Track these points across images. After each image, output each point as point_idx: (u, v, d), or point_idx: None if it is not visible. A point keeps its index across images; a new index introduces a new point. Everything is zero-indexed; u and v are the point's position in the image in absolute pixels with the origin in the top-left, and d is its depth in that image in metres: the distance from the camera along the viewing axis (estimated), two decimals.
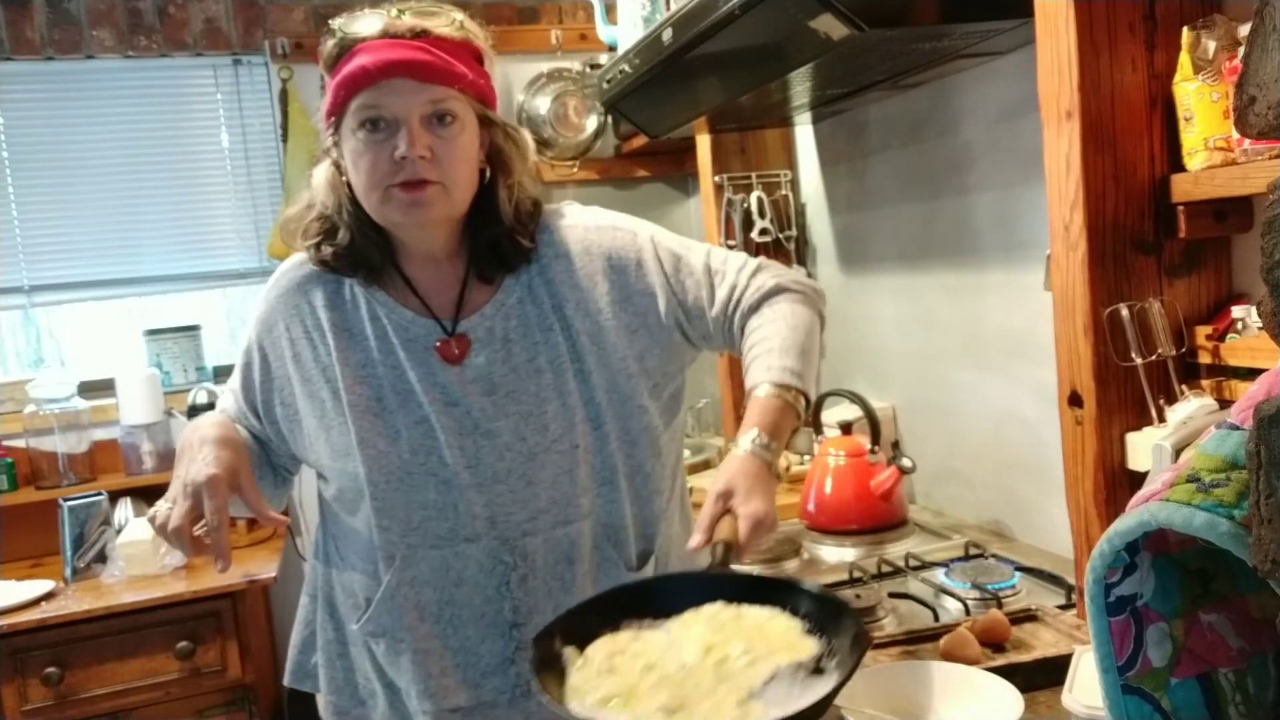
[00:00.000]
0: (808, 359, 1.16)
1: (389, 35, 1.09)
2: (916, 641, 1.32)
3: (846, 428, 2.02)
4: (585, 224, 1.25)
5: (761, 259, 1.27)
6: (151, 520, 1.09)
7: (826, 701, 0.85)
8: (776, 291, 1.21)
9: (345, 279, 1.21)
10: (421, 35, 1.10)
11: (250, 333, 1.25)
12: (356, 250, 1.18)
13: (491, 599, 1.19)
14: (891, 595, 1.55)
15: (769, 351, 1.14)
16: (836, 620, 0.94)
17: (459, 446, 1.15)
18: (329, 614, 1.29)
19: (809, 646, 0.92)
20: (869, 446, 1.95)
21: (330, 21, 1.13)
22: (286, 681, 1.36)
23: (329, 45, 1.13)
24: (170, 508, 1.08)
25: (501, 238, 1.19)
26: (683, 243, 1.28)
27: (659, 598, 1.00)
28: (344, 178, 1.16)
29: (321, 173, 1.18)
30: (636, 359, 1.20)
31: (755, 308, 1.20)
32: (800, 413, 1.13)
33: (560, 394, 1.18)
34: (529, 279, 1.20)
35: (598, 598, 1.06)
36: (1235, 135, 1.12)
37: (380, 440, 1.15)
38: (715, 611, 0.96)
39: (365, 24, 1.10)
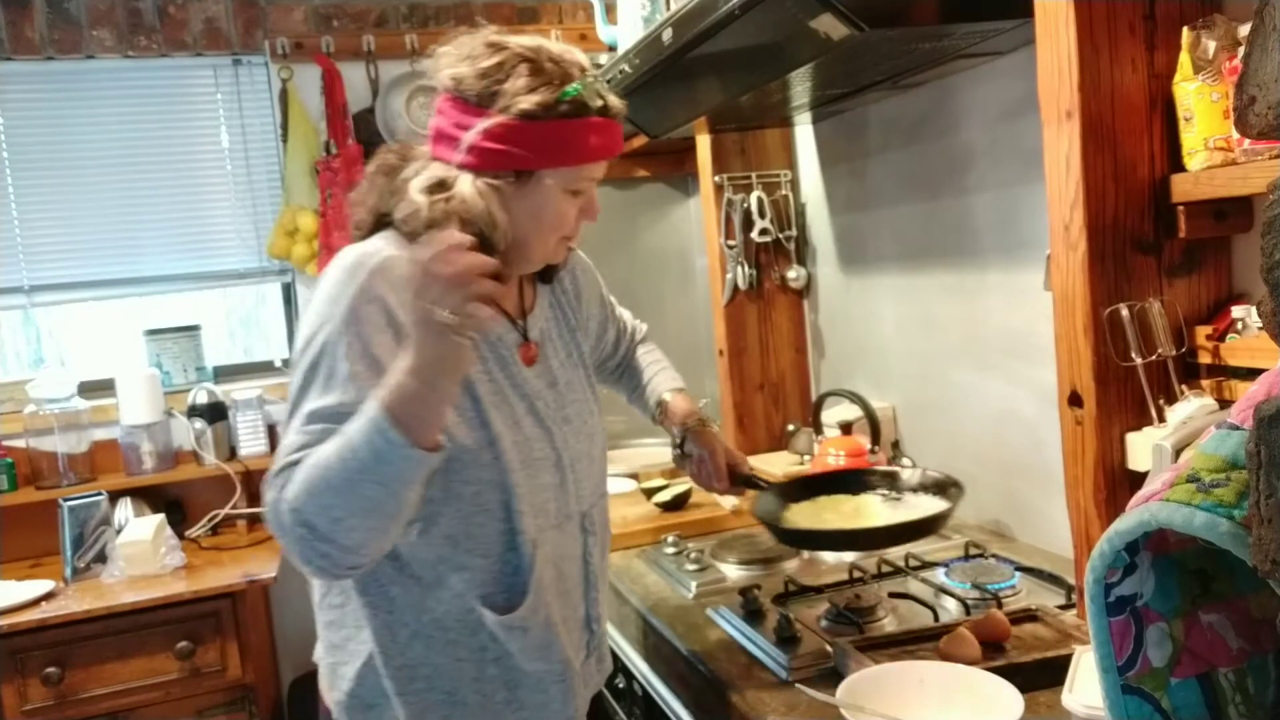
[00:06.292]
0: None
1: (609, 115, 1.20)
2: (916, 641, 1.32)
3: (846, 428, 2.02)
4: None
5: None
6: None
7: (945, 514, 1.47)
8: (646, 337, 1.67)
9: None
10: (618, 116, 1.22)
11: (356, 328, 1.12)
12: None
13: (579, 568, 1.32)
14: (891, 595, 1.55)
15: (666, 369, 1.63)
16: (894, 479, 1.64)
17: (556, 432, 1.28)
18: (409, 639, 1.22)
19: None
20: (869, 446, 1.95)
21: (547, 62, 1.15)
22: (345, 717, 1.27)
23: (550, 93, 1.14)
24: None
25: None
26: None
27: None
28: (500, 203, 1.17)
29: (468, 185, 1.16)
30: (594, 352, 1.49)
31: (643, 340, 1.65)
32: None
33: (589, 384, 1.38)
34: (550, 285, 1.39)
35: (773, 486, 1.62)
36: (1235, 135, 1.12)
37: (510, 430, 1.22)
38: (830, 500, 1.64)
39: (596, 94, 1.18)
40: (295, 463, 1.07)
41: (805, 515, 1.58)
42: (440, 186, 1.16)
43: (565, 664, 1.26)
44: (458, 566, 1.20)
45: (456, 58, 1.17)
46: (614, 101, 1.21)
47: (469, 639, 1.22)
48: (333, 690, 1.27)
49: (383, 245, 1.17)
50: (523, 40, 1.17)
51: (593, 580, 1.33)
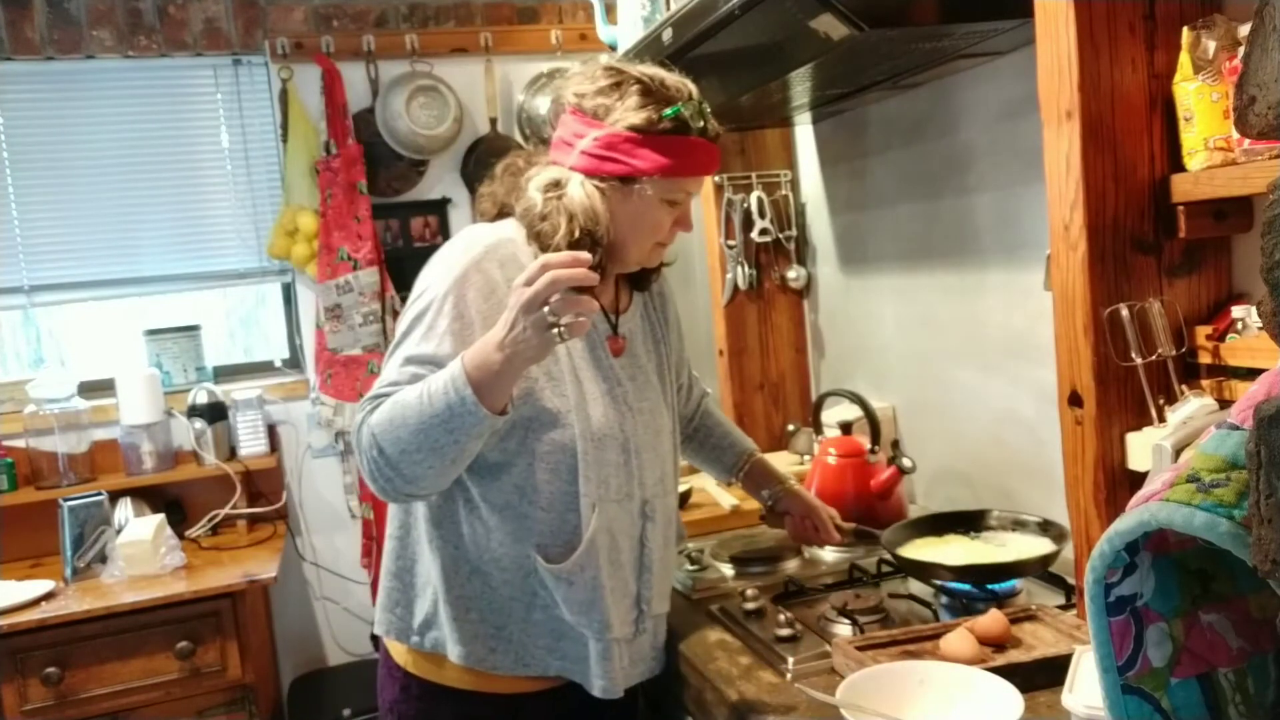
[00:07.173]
0: None
1: (708, 136, 1.33)
2: (916, 641, 1.32)
3: (846, 428, 2.02)
4: None
5: None
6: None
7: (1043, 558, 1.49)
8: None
9: None
10: (717, 139, 1.36)
11: (461, 292, 1.28)
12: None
13: (635, 547, 1.42)
14: (891, 595, 1.55)
15: (740, 432, 1.83)
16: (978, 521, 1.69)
17: (627, 418, 1.39)
18: (470, 574, 1.36)
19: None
20: (869, 446, 1.95)
21: (659, 86, 1.30)
22: (390, 634, 1.42)
23: (655, 111, 1.29)
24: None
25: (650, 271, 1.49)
26: None
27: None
28: (604, 205, 1.31)
29: (578, 186, 1.32)
30: (674, 375, 1.57)
31: (705, 394, 1.79)
32: None
33: (664, 390, 1.50)
34: (644, 295, 1.52)
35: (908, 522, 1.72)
36: (1235, 135, 1.12)
37: (589, 405, 1.35)
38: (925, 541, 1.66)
39: (699, 116, 1.31)
40: (385, 395, 1.24)
41: (921, 555, 1.61)
42: (554, 186, 1.33)
43: (605, 626, 1.35)
44: (521, 515, 1.34)
45: (581, 78, 1.35)
46: (714, 126, 1.34)
47: (521, 581, 1.35)
48: (388, 611, 1.42)
49: (502, 229, 1.37)
50: (641, 68, 1.34)
51: (647, 563, 1.42)
